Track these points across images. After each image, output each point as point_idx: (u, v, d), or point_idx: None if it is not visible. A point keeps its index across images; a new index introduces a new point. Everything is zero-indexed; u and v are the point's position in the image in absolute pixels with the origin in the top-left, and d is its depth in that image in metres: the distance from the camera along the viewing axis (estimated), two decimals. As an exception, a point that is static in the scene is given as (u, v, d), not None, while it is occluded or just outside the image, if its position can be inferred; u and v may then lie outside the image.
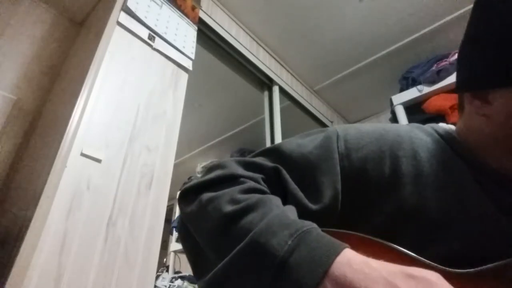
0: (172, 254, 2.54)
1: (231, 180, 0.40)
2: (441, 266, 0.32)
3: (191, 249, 0.41)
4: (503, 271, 0.32)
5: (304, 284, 0.27)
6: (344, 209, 0.39)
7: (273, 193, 0.39)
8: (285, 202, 0.38)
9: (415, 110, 1.89)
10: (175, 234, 2.59)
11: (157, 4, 1.27)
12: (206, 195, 0.39)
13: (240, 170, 0.41)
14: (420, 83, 1.86)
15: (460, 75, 0.42)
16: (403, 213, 0.37)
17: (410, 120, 1.86)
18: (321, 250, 0.28)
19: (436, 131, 0.45)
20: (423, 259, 0.32)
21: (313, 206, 0.38)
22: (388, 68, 2.10)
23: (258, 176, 0.41)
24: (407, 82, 1.96)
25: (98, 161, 0.88)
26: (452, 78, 1.74)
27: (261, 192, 0.38)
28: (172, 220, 2.74)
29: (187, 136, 2.56)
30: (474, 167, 0.40)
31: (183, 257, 2.54)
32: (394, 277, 0.26)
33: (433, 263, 0.32)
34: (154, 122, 1.08)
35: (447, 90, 1.76)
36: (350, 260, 0.27)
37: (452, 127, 0.46)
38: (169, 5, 1.32)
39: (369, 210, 0.39)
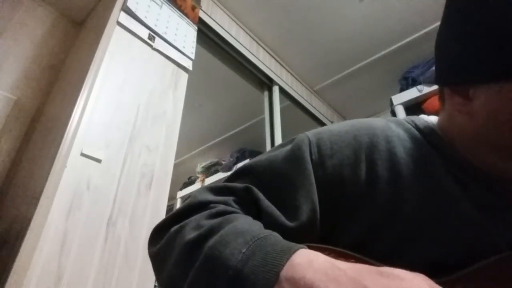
0: (172, 254, 2.53)
1: (199, 208, 0.37)
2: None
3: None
4: (483, 272, 0.31)
5: None
6: (321, 219, 0.36)
7: (246, 214, 0.37)
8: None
9: (415, 110, 1.89)
10: (175, 234, 2.58)
11: (157, 4, 1.27)
12: (174, 228, 0.36)
13: (210, 197, 0.38)
14: (420, 83, 1.86)
15: (439, 67, 0.39)
16: (381, 220, 0.35)
17: (410, 120, 1.85)
18: (275, 253, 0.27)
19: (415, 125, 0.42)
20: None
21: (290, 224, 0.35)
22: (388, 68, 2.10)
23: (229, 198, 0.38)
24: (407, 82, 1.96)
25: (98, 161, 0.88)
26: (452, 78, 1.74)
27: (231, 213, 0.35)
28: (172, 220, 2.74)
29: (187, 136, 2.56)
30: (453, 163, 0.38)
31: (183, 257, 2.53)
32: (361, 276, 0.24)
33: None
34: (154, 122, 1.08)
35: (447, 90, 1.76)
36: (311, 261, 0.26)
37: (434, 119, 0.43)
38: (169, 5, 1.32)
39: (347, 218, 0.36)
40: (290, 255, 0.26)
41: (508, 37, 0.30)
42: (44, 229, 0.72)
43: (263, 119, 1.93)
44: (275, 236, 0.30)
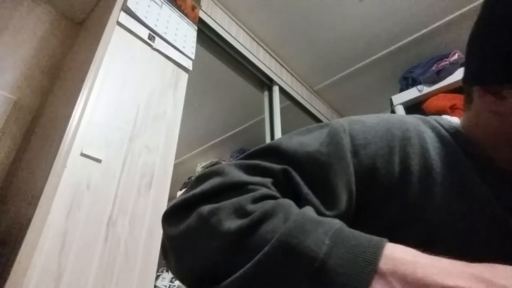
0: (172, 254, 2.53)
1: (236, 188, 0.33)
2: None
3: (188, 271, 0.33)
4: None
5: (351, 286, 0.23)
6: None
7: (284, 196, 0.34)
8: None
9: (415, 110, 1.89)
10: (175, 234, 2.59)
11: (157, 4, 1.27)
12: (206, 207, 0.32)
13: (245, 176, 0.34)
14: (420, 83, 1.86)
15: (471, 67, 0.39)
16: (410, 212, 0.35)
17: (410, 120, 1.85)
18: (362, 247, 0.25)
19: (441, 125, 0.42)
20: None
21: (328, 213, 0.33)
22: (388, 68, 2.10)
23: (267, 180, 0.34)
24: (407, 82, 1.96)
25: (98, 161, 0.88)
26: (452, 78, 1.74)
27: (275, 199, 0.32)
28: (172, 220, 2.74)
29: (187, 136, 2.56)
30: (480, 165, 0.38)
31: (183, 257, 2.53)
32: (470, 268, 0.23)
33: None
34: (154, 122, 1.08)
35: (447, 90, 1.76)
36: (414, 255, 0.25)
37: (456, 120, 0.44)
38: (169, 5, 1.32)
39: (377, 209, 0.36)
40: (382, 249, 0.25)
41: None
42: (44, 229, 0.72)
43: (263, 119, 1.93)
44: (344, 225, 0.28)
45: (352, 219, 0.36)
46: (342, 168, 0.36)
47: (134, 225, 0.90)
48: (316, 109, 2.27)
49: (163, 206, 1.01)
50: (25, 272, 0.67)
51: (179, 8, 1.37)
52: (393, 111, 1.96)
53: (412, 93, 1.88)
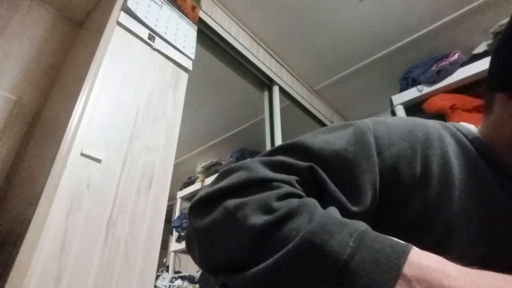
0: (172, 254, 2.54)
1: (261, 184, 0.34)
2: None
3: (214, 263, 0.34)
4: None
5: None
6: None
7: (308, 194, 0.35)
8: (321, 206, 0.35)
9: (415, 110, 1.89)
10: (175, 234, 2.59)
11: (157, 4, 1.27)
12: (232, 202, 0.32)
13: (270, 173, 0.35)
14: (420, 83, 1.86)
15: (496, 73, 0.40)
16: (429, 212, 0.36)
17: (410, 120, 1.85)
18: (386, 252, 0.25)
19: (460, 131, 0.43)
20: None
21: (354, 208, 0.34)
22: (388, 68, 2.10)
23: (292, 178, 0.35)
24: (407, 82, 1.96)
25: (98, 161, 0.88)
26: (452, 78, 1.74)
27: (299, 197, 0.33)
28: (172, 220, 2.74)
29: (187, 136, 2.56)
30: (500, 172, 0.39)
31: (183, 257, 2.54)
32: (495, 279, 0.23)
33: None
34: (154, 122, 1.08)
35: (447, 90, 1.76)
36: (442, 264, 0.25)
37: (474, 127, 0.45)
38: (169, 5, 1.32)
39: (397, 209, 0.37)
40: (407, 254, 0.25)
41: None
42: (44, 229, 0.72)
43: (263, 119, 1.93)
44: (369, 228, 0.28)
45: (374, 217, 0.36)
46: (369, 167, 0.37)
47: (134, 225, 0.90)
48: (316, 109, 2.27)
49: (163, 206, 1.01)
50: (25, 272, 0.67)
51: (179, 8, 1.37)
52: (393, 111, 1.96)
53: (412, 93, 1.88)
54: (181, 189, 2.95)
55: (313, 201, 0.32)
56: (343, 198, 0.34)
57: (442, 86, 1.77)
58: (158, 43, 1.20)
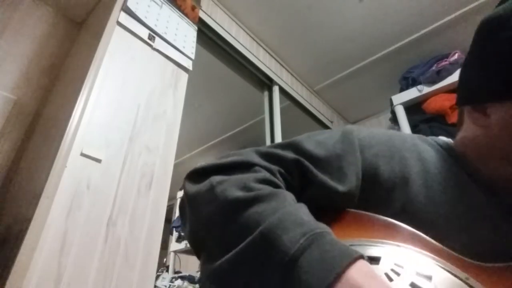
0: (172, 254, 2.54)
1: (246, 167, 0.39)
2: (468, 259, 0.33)
3: (194, 231, 0.39)
4: None
5: (312, 285, 0.26)
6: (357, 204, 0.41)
7: (289, 185, 0.40)
8: (299, 198, 0.38)
9: (415, 110, 1.89)
10: (175, 234, 2.59)
11: (157, 4, 1.27)
12: (217, 177, 0.38)
13: (257, 159, 0.41)
14: (420, 83, 1.86)
15: (462, 89, 0.46)
16: (412, 209, 0.39)
17: (410, 120, 1.86)
18: (334, 253, 0.27)
19: (436, 142, 0.48)
20: (451, 251, 0.34)
21: (341, 188, 0.39)
22: (388, 68, 2.10)
23: (275, 168, 0.40)
24: (407, 82, 1.96)
25: (98, 161, 0.88)
26: (452, 78, 1.74)
27: (275, 185, 0.38)
28: (172, 220, 2.74)
29: (187, 136, 2.56)
30: (470, 175, 0.43)
31: (183, 257, 2.54)
32: None
33: (460, 256, 0.33)
34: (154, 122, 1.08)
35: (447, 90, 1.76)
36: (368, 273, 0.27)
37: (451, 140, 0.50)
38: (169, 5, 1.32)
39: (380, 206, 0.40)
40: (355, 261, 0.27)
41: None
42: (44, 229, 0.72)
43: (263, 119, 1.93)
44: (329, 233, 0.31)
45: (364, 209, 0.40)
46: (353, 160, 0.42)
47: (134, 225, 0.90)
48: (316, 109, 2.27)
49: (163, 206, 1.01)
50: (25, 272, 0.67)
51: (179, 8, 1.37)
52: (393, 111, 1.96)
53: (412, 93, 1.88)
54: (181, 189, 2.94)
55: (284, 193, 0.36)
56: (331, 183, 0.39)
57: (442, 86, 1.77)
58: (158, 43, 1.20)
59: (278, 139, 1.77)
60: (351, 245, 0.34)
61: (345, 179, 0.40)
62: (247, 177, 0.37)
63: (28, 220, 0.79)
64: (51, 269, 0.71)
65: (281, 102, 1.91)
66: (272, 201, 0.33)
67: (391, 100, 1.97)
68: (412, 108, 1.89)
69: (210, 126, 2.54)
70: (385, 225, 0.36)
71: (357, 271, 0.26)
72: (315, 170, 0.40)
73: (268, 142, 1.81)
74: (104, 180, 0.88)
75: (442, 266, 0.31)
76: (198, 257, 0.38)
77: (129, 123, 1.00)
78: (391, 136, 0.48)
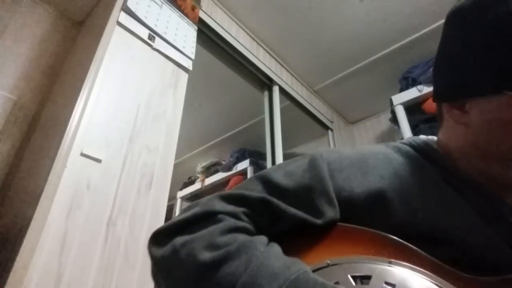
0: (172, 254, 2.53)
1: (208, 218, 0.37)
2: (461, 272, 0.32)
3: None
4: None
5: None
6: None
7: (257, 225, 0.39)
8: (274, 232, 0.38)
9: (415, 110, 1.89)
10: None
11: (157, 4, 1.27)
12: (180, 239, 0.36)
13: (220, 205, 0.38)
14: (420, 83, 1.86)
15: (438, 86, 0.45)
16: (395, 228, 0.37)
17: (410, 120, 1.86)
18: None
19: (411, 144, 0.47)
20: (443, 264, 0.33)
21: (318, 221, 0.37)
22: (388, 68, 2.10)
23: (239, 210, 0.38)
24: (407, 82, 1.96)
25: (98, 161, 0.88)
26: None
27: (242, 230, 0.36)
28: (172, 220, 2.74)
29: (187, 136, 2.56)
30: (450, 173, 0.42)
31: (183, 257, 2.53)
32: None
33: (456, 270, 0.32)
34: (154, 122, 1.08)
35: (447, 90, 1.76)
36: None
37: (433, 138, 0.49)
38: (169, 5, 1.32)
39: (362, 225, 0.39)
40: None
41: (490, 60, 0.37)
42: (44, 229, 0.72)
43: (263, 119, 1.93)
44: (305, 272, 0.30)
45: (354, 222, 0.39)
46: (323, 188, 0.40)
47: (134, 225, 0.90)
48: (316, 109, 2.27)
49: (163, 206, 1.01)
50: (25, 272, 0.67)
51: (179, 8, 1.37)
52: (393, 111, 1.96)
53: (412, 93, 1.88)
54: (181, 189, 2.95)
55: (254, 241, 0.34)
56: (305, 216, 0.38)
57: (442, 86, 1.76)
58: (158, 43, 1.20)
59: (278, 139, 1.77)
60: (341, 263, 0.33)
61: (319, 213, 0.38)
62: (211, 232, 0.35)
63: (28, 220, 0.79)
64: (51, 269, 0.71)
65: (281, 102, 1.91)
66: (242, 255, 0.32)
67: (391, 100, 1.97)
68: (412, 108, 1.89)
69: (210, 126, 2.54)
70: (373, 239, 0.36)
71: None
72: (283, 206, 0.39)
73: (268, 142, 1.81)
74: (104, 180, 0.88)
75: (435, 282, 0.31)
76: None
77: (129, 123, 1.00)
78: (363, 154, 0.46)
